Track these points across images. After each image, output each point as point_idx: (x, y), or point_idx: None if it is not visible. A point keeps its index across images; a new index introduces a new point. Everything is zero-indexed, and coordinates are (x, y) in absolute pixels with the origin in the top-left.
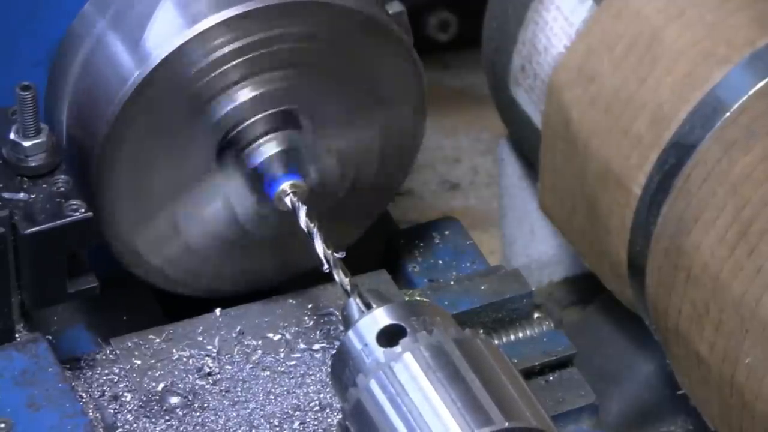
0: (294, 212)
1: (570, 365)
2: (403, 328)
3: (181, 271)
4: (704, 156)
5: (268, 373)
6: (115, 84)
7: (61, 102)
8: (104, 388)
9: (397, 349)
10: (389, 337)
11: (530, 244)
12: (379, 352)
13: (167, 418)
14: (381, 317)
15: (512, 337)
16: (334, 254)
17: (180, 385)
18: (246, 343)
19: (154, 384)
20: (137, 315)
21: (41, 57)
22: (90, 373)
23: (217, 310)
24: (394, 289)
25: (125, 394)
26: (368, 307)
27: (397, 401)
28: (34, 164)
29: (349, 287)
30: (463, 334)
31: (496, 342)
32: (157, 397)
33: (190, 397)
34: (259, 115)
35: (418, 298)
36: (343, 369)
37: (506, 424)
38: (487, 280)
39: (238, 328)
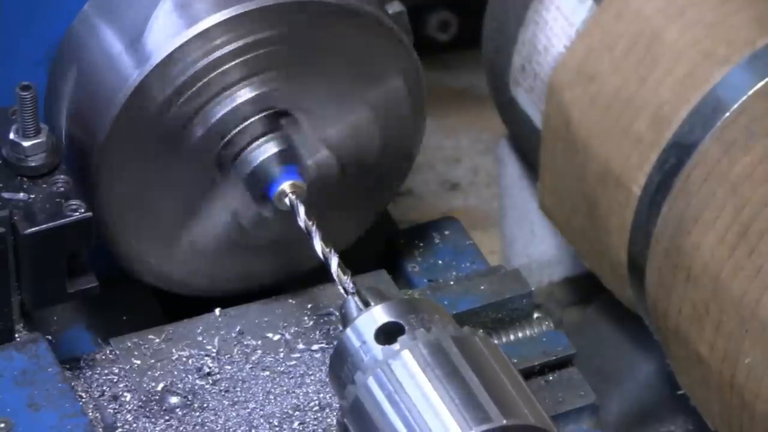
0: (293, 211)
1: (570, 365)
2: (401, 326)
3: (181, 271)
4: (704, 156)
5: (267, 373)
6: (115, 84)
7: (61, 102)
8: (104, 388)
9: (396, 346)
10: (387, 334)
11: (530, 244)
12: (378, 349)
13: (167, 418)
14: (379, 315)
15: (512, 337)
16: (333, 253)
17: (180, 385)
18: (246, 343)
19: (153, 384)
20: (137, 315)
21: (41, 57)
22: (90, 373)
23: (217, 310)
24: (394, 289)
25: (125, 394)
26: (366, 304)
27: (395, 399)
28: (34, 164)
29: (347, 285)
30: (461, 332)
31: (496, 342)
32: (157, 397)
33: (189, 397)
34: (259, 116)
35: (417, 297)
36: (342, 367)
37: (504, 421)
38: (487, 280)
39: (238, 328)
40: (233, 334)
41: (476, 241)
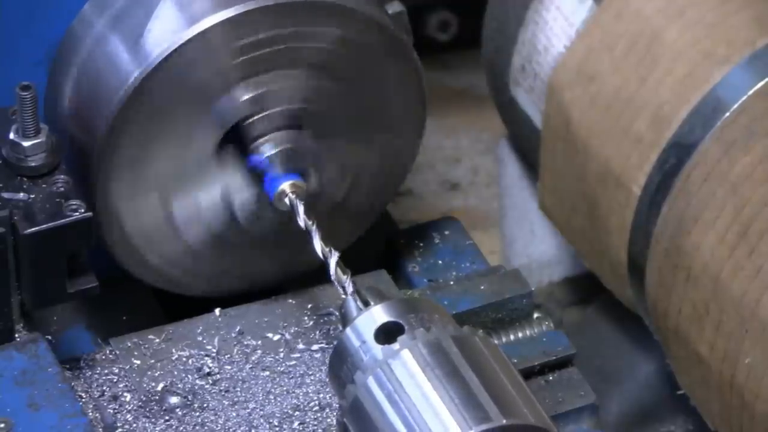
0: (293, 211)
1: (570, 365)
2: (401, 325)
3: (180, 271)
4: (704, 156)
5: (267, 373)
6: (115, 84)
7: (61, 102)
8: (104, 388)
9: (395, 346)
10: (387, 334)
11: (530, 244)
12: (377, 349)
13: (167, 418)
14: (379, 314)
15: (512, 337)
16: (333, 252)
17: (179, 385)
18: (246, 343)
19: (153, 384)
20: (137, 315)
21: (41, 57)
22: (90, 373)
23: (217, 310)
24: (394, 289)
25: (125, 394)
26: (366, 304)
27: (395, 398)
28: (33, 164)
29: (347, 285)
30: (461, 332)
31: (496, 342)
32: (157, 397)
33: (189, 397)
34: (258, 116)
35: (416, 296)
36: (341, 366)
37: (504, 421)
38: (487, 280)
39: (238, 328)
40: (233, 334)
41: (476, 241)
